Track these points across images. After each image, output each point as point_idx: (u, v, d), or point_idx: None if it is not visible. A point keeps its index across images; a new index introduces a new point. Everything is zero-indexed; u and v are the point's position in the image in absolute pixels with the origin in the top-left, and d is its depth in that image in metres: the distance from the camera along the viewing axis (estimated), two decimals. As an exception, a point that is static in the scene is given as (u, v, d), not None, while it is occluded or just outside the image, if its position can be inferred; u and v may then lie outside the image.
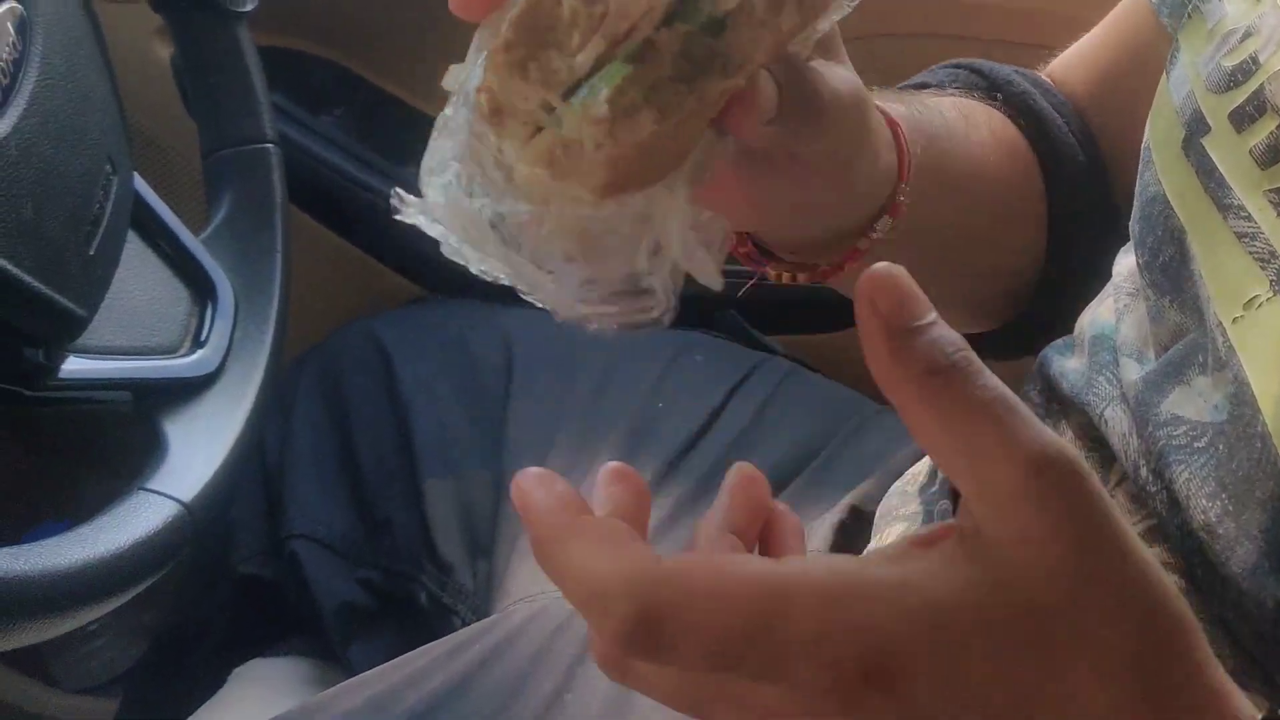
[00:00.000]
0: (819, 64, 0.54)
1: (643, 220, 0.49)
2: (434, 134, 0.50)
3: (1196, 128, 0.59)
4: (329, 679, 0.92)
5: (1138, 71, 0.71)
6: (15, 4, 0.70)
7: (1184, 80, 0.61)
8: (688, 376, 1.02)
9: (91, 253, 0.74)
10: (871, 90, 0.59)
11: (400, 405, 1.01)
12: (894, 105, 0.63)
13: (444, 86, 0.51)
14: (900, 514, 0.73)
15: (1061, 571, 0.37)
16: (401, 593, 0.96)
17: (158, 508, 0.74)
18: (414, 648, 0.81)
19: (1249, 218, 0.55)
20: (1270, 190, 0.55)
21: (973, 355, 0.38)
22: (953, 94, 0.73)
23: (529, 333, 1.04)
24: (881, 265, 0.38)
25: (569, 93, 0.46)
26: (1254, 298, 0.54)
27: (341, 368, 1.07)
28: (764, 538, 0.48)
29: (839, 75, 0.54)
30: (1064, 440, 0.38)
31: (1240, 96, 0.57)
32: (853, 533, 0.78)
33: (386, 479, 0.99)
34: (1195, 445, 0.56)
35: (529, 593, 0.86)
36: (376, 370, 1.04)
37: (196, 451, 0.78)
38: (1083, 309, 0.69)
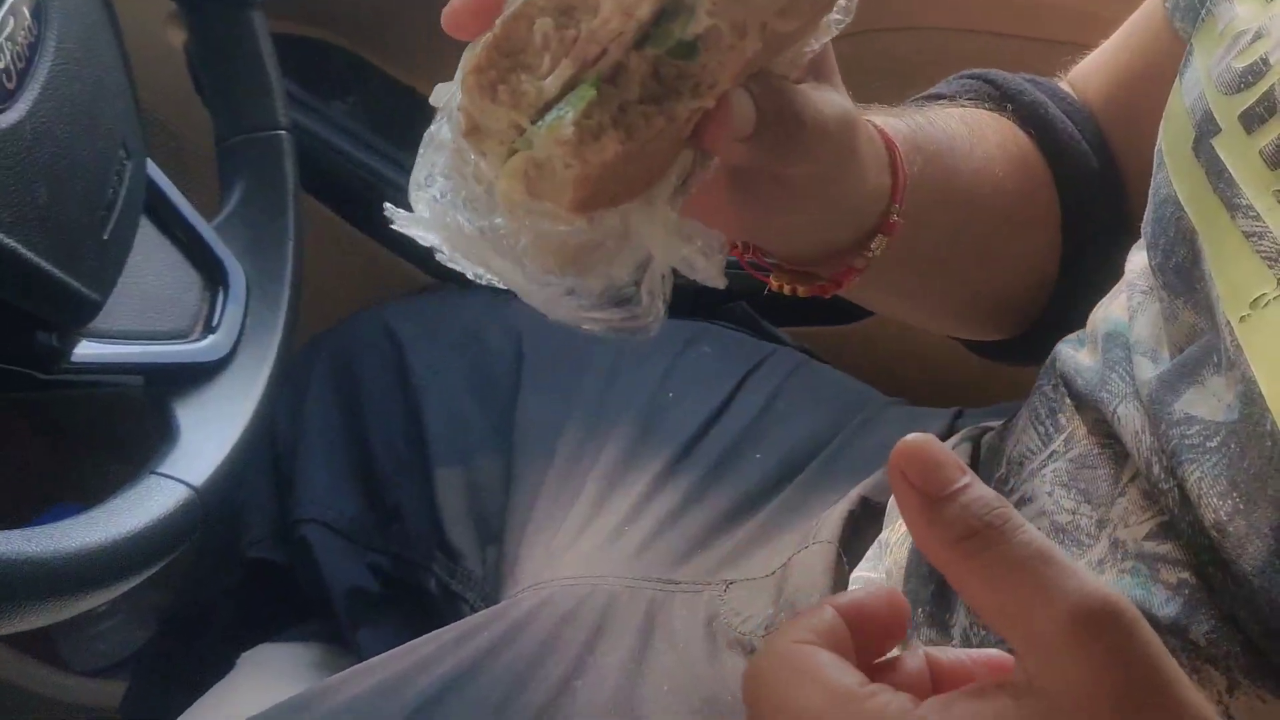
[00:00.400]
0: (808, 86, 0.54)
1: (621, 235, 0.50)
2: (421, 148, 0.51)
3: (1207, 128, 0.59)
4: (338, 664, 0.92)
5: (1153, 77, 0.71)
6: (31, -11, 0.70)
7: (1196, 82, 0.61)
8: (697, 367, 1.02)
9: (105, 237, 0.74)
10: (870, 107, 0.59)
11: (411, 392, 1.02)
12: (895, 122, 0.64)
13: (431, 103, 0.52)
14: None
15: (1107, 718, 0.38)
16: (411, 579, 0.96)
17: (169, 492, 0.74)
18: (423, 634, 0.81)
19: (1258, 218, 0.55)
20: (1279, 190, 0.55)
21: (1009, 511, 0.39)
22: (964, 104, 0.74)
23: (539, 322, 1.03)
24: (910, 437, 0.40)
25: (540, 114, 0.47)
26: (1261, 296, 0.54)
27: (353, 354, 1.07)
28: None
29: (825, 98, 0.55)
30: (1107, 587, 0.39)
31: (1251, 98, 0.57)
32: (863, 523, 0.78)
33: (397, 466, 1.00)
34: (1208, 445, 0.56)
35: (538, 580, 0.86)
36: (388, 357, 1.05)
37: (207, 436, 0.78)
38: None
